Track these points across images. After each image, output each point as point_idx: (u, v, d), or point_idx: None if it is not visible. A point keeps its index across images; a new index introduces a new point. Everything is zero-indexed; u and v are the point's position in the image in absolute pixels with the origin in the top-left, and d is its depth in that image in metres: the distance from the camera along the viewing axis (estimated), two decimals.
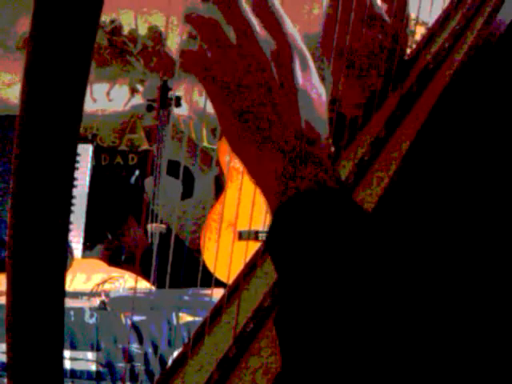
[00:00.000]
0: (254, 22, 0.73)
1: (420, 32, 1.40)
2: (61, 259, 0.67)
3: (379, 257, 0.68)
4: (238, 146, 0.75)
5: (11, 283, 0.66)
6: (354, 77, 1.11)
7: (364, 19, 1.06)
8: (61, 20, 0.62)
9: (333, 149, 1.09)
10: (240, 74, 0.72)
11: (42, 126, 0.64)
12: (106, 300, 2.18)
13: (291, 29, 0.75)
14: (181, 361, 0.98)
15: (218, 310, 1.01)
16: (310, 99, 0.74)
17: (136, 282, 2.48)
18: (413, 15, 1.17)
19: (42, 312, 0.67)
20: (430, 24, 1.19)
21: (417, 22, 1.39)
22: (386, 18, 1.09)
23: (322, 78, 0.78)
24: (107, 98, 3.67)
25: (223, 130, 0.75)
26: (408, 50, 1.16)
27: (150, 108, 3.42)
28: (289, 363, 0.70)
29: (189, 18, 0.73)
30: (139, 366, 2.07)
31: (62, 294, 0.68)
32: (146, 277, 2.55)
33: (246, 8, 0.74)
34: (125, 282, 2.51)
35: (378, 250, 0.69)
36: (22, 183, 0.65)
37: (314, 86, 0.75)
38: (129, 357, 2.07)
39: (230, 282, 1.02)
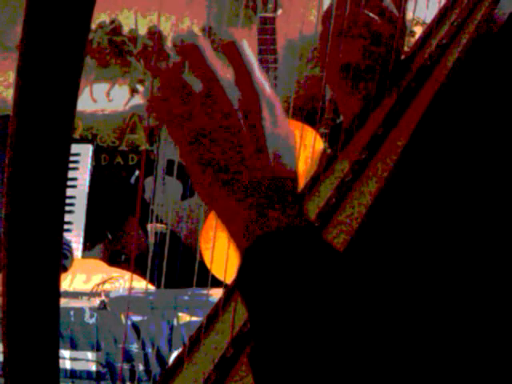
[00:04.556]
0: (219, 69, 0.73)
1: (420, 32, 1.40)
2: (55, 259, 0.67)
3: (349, 292, 0.69)
4: (205, 190, 0.76)
5: (6, 283, 0.67)
6: (349, 85, 1.12)
7: (358, 32, 1.08)
8: (53, 20, 0.62)
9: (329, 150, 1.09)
10: (205, 122, 0.73)
11: (35, 125, 0.64)
12: (106, 300, 2.18)
13: (259, 75, 0.74)
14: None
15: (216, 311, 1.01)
16: (279, 144, 0.74)
17: (147, 283, 2.48)
18: (413, 15, 1.17)
19: (38, 311, 0.67)
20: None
21: (417, 22, 1.39)
22: (395, 10, 1.10)
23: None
24: (107, 98, 3.67)
25: (190, 174, 0.76)
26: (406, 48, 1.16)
27: None
28: None
29: (150, 67, 0.74)
30: (139, 366, 2.07)
31: (56, 293, 0.68)
32: (146, 277, 2.54)
33: (211, 55, 0.73)
34: (125, 282, 2.51)
35: (348, 286, 0.70)
36: (16, 185, 0.65)
37: (283, 131, 0.75)
38: (129, 357, 2.07)
39: (230, 282, 1.02)
